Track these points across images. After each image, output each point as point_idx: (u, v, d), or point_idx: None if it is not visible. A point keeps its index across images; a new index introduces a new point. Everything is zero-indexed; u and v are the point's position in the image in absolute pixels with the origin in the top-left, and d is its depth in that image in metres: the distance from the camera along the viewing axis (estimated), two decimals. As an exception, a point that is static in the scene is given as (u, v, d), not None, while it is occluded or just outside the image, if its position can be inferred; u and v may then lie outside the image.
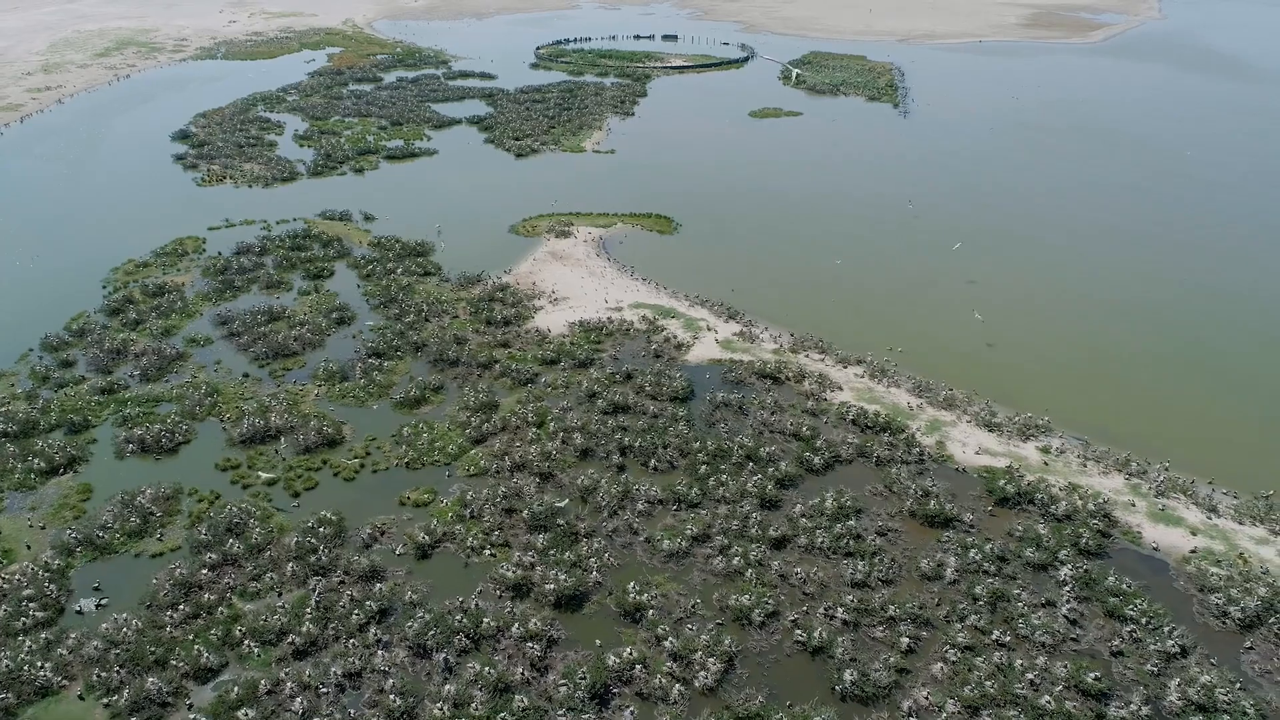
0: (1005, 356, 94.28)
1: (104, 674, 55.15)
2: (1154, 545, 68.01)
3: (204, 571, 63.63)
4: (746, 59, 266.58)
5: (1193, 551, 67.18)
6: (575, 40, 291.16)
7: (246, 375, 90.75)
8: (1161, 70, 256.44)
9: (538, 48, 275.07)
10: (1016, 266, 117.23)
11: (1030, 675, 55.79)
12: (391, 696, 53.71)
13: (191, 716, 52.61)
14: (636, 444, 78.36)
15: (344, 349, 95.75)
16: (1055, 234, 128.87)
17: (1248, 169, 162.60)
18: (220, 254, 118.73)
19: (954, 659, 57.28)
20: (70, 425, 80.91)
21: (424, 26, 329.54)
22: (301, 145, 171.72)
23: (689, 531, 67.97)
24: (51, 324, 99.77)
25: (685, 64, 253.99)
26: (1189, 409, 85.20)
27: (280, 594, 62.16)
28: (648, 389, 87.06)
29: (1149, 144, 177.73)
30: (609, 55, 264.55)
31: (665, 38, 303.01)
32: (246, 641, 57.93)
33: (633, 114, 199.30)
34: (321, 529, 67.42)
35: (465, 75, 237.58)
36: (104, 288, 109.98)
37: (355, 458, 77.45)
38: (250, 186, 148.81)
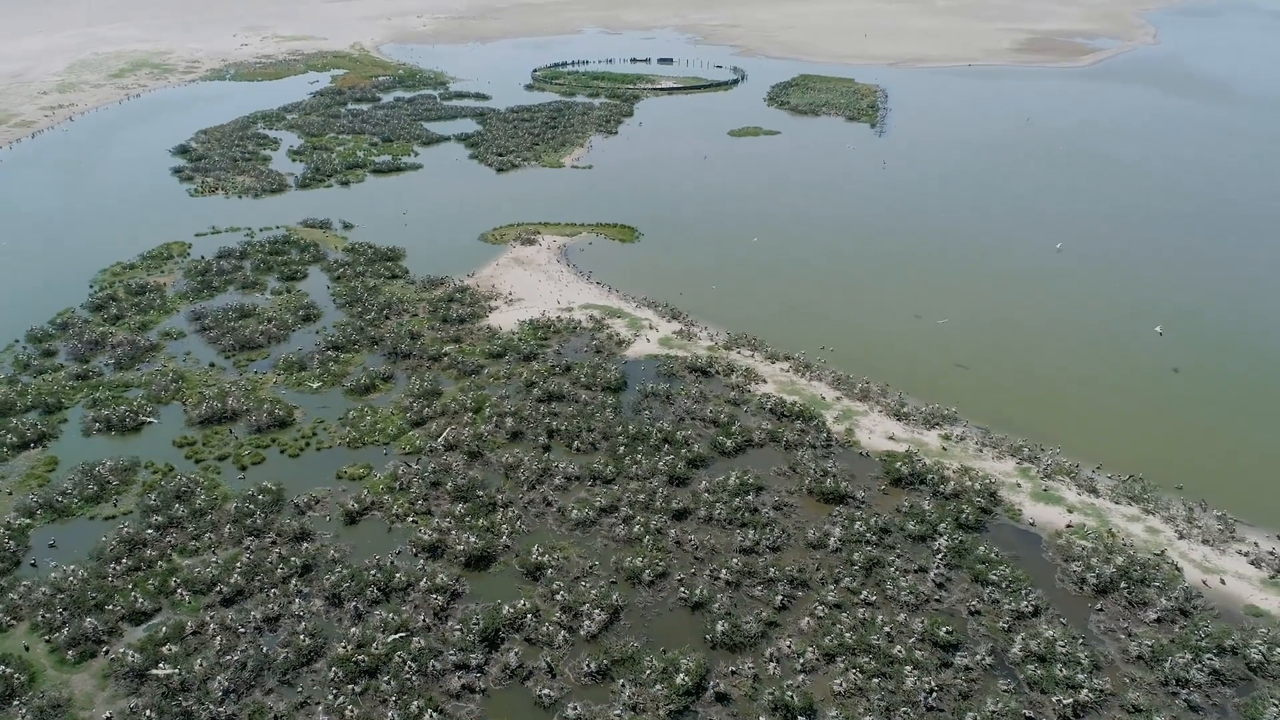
0: (931, 355, 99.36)
1: (48, 615, 61.15)
2: (1031, 521, 72.96)
3: (149, 531, 69.68)
4: (736, 81, 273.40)
5: (1067, 526, 72.01)
6: (572, 63, 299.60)
7: (212, 365, 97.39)
8: (1140, 93, 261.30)
9: (534, 70, 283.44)
10: (954, 273, 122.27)
11: (888, 629, 60.75)
12: (303, 637, 59.38)
13: (121, 650, 58.38)
14: (563, 428, 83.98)
15: (307, 343, 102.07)
16: (994, 243, 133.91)
17: (1201, 181, 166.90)
18: (203, 258, 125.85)
19: (821, 614, 62.34)
20: (45, 406, 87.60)
21: (429, 50, 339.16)
22: (294, 160, 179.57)
23: (598, 503, 73.46)
24: (39, 318, 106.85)
25: (674, 86, 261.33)
26: (1089, 402, 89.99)
27: (215, 552, 68.05)
28: (583, 380, 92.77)
29: (1107, 160, 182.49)
30: (602, 77, 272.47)
31: (661, 61, 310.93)
32: (180, 590, 63.85)
33: (616, 133, 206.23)
34: (261, 497, 73.44)
35: (460, 96, 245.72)
36: (91, 287, 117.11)
37: (302, 437, 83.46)
38: (240, 197, 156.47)
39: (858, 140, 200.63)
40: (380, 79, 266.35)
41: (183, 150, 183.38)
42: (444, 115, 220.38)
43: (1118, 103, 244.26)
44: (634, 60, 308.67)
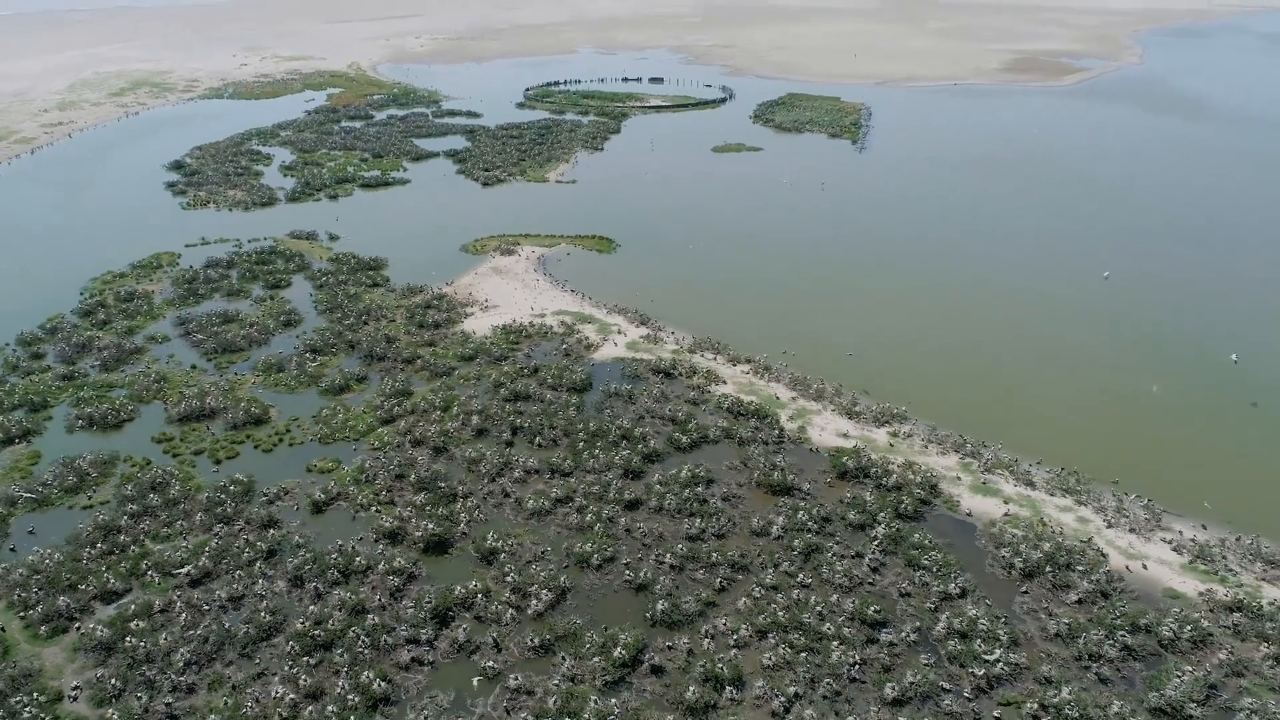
0: (885, 358, 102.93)
1: (24, 594, 64.62)
2: (968, 512, 76.27)
3: (124, 519, 73.20)
4: (724, 100, 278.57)
5: (1003, 516, 75.27)
6: (565, 82, 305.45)
7: (194, 367, 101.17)
8: (1116, 110, 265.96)
9: (527, 89, 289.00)
10: (918, 281, 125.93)
11: (820, 608, 64.06)
12: (264, 615, 62.79)
13: (91, 626, 61.82)
14: (526, 425, 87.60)
15: (287, 347, 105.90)
16: (958, 254, 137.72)
17: (1163, 193, 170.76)
18: (191, 267, 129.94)
19: (758, 595, 65.66)
20: (31, 405, 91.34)
21: (426, 70, 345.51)
22: (286, 175, 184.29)
23: (554, 494, 76.94)
24: (30, 324, 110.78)
25: (662, 104, 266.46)
26: (1038, 403, 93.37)
27: (186, 538, 71.55)
28: (550, 381, 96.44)
29: (1077, 174, 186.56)
30: (592, 96, 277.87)
31: (652, 80, 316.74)
32: (150, 572, 67.33)
33: (602, 149, 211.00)
34: (232, 488, 77.00)
35: (452, 114, 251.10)
36: (81, 294, 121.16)
37: (276, 434, 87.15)
38: (231, 210, 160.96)
39: (839, 154, 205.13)
40: (374, 97, 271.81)
41: (177, 165, 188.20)
42: (435, 132, 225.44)
43: (1091, 120, 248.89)
44: (625, 79, 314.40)
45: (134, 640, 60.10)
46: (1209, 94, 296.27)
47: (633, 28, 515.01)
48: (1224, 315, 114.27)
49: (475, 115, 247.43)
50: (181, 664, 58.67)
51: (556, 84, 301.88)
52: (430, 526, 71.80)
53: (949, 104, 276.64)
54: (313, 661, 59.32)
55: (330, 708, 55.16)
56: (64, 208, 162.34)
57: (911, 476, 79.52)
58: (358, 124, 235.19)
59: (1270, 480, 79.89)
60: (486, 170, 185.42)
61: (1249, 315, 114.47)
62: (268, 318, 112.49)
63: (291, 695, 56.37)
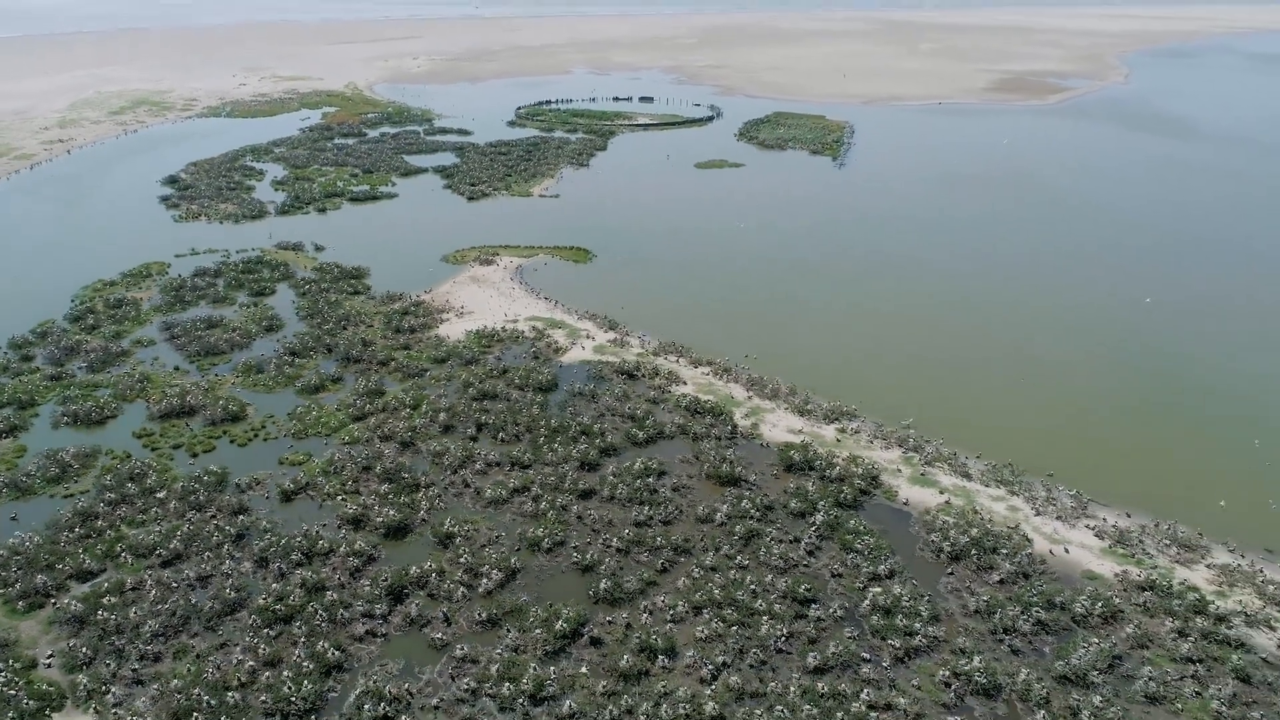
0: (842, 360, 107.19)
1: (3, 573, 68.62)
2: (905, 501, 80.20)
3: (101, 506, 77.28)
4: (711, 118, 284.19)
5: (938, 506, 79.21)
6: (556, 101, 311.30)
7: (177, 368, 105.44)
8: (1094, 128, 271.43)
9: (518, 107, 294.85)
10: (883, 289, 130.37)
11: (754, 587, 67.95)
12: (229, 591, 66.75)
13: (66, 601, 65.80)
14: (491, 421, 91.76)
15: (268, 350, 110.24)
16: (927, 264, 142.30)
17: (1129, 206, 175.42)
18: (179, 275, 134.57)
19: (697, 575, 69.57)
20: (18, 403, 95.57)
21: (421, 89, 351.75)
22: (277, 190, 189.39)
23: (511, 484, 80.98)
24: (22, 328, 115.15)
25: (650, 122, 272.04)
26: (982, 401, 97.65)
27: (160, 524, 75.57)
28: (517, 381, 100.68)
29: (1050, 189, 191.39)
30: (582, 114, 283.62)
31: (642, 99, 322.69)
32: (124, 554, 71.34)
33: (588, 165, 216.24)
34: (206, 478, 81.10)
35: (444, 131, 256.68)
36: (72, 301, 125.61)
37: (251, 430, 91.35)
38: (222, 223, 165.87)
39: (819, 170, 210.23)
40: (369, 116, 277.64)
41: (172, 180, 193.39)
42: (425, 149, 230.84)
43: (1066, 136, 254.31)
44: (617, 99, 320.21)
45: (105, 614, 63.92)
46: (1188, 112, 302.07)
47: (628, 49, 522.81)
48: (1176, 322, 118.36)
49: (466, 133, 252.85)
50: (149, 635, 62.42)
51: (548, 103, 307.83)
52: (391, 513, 75.71)
53: (931, 122, 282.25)
54: (273, 634, 63.07)
55: (286, 673, 58.88)
56: (59, 220, 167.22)
57: (854, 469, 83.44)
58: (351, 141, 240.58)
59: (1198, 472, 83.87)
60: (472, 185, 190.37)
61: (1200, 322, 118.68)
62: (250, 323, 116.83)
63: (250, 663, 60.13)
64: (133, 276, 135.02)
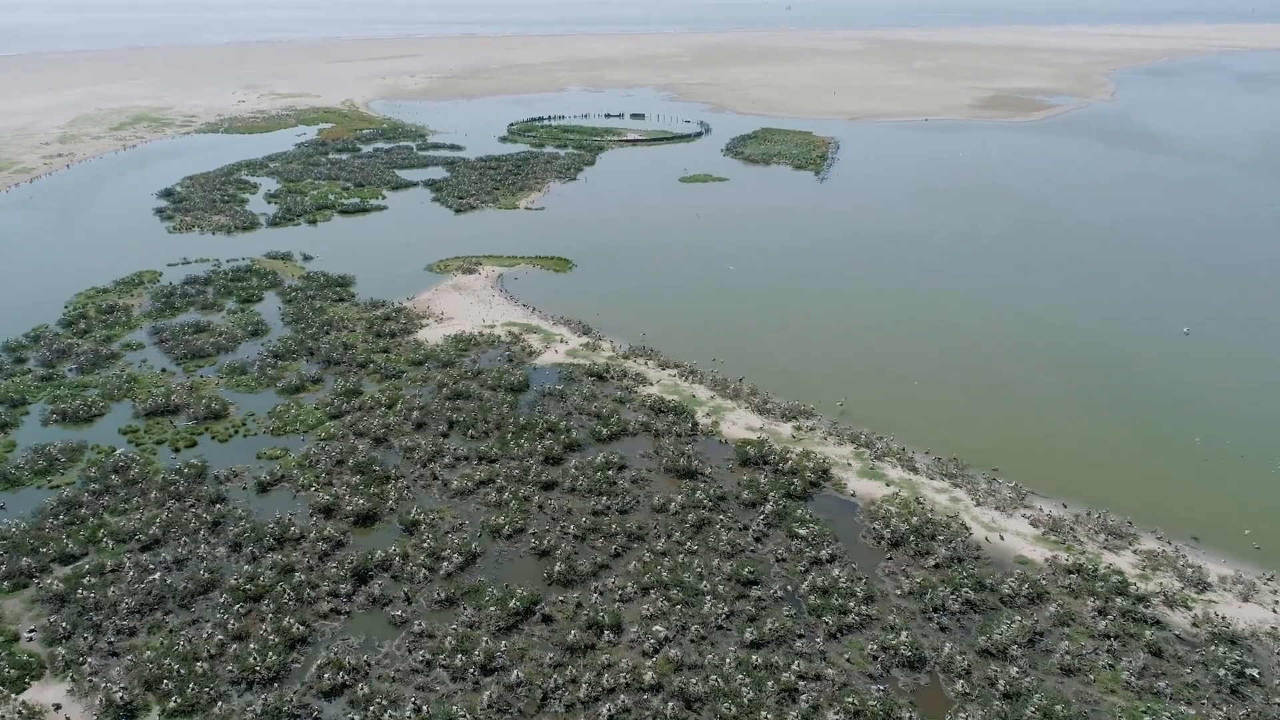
0: (805, 364, 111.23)
1: (-10, 557, 72.48)
2: (853, 493, 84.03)
3: (86, 496, 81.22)
4: (700, 134, 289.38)
5: (883, 497, 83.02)
6: (549, 118, 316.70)
7: (164, 370, 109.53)
8: (1072, 143, 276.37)
9: (511, 124, 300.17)
10: (845, 294, 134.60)
11: (700, 570, 71.74)
12: (203, 573, 70.60)
13: (49, 581, 69.66)
14: (462, 419, 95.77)
15: (253, 353, 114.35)
16: (893, 272, 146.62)
17: (1097, 217, 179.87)
18: (170, 283, 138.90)
19: (648, 559, 73.37)
20: (10, 402, 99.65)
21: (417, 106, 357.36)
22: (270, 202, 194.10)
23: (478, 477, 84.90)
24: (15, 333, 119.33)
25: (639, 138, 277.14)
26: (932, 400, 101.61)
27: (141, 512, 79.48)
28: (489, 382, 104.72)
29: (1023, 202, 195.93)
30: (573, 130, 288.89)
31: (634, 116, 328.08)
32: (105, 540, 75.24)
33: (575, 179, 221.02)
34: (186, 470, 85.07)
35: (437, 147, 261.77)
36: (66, 307, 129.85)
37: (233, 427, 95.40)
38: (214, 234, 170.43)
39: (805, 184, 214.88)
40: (364, 132, 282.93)
41: (167, 193, 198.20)
42: (417, 164, 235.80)
43: (1042, 151, 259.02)
44: (608, 115, 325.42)
45: (85, 593, 67.78)
46: (1167, 129, 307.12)
47: (624, 67, 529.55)
48: (1126, 329, 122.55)
49: (458, 148, 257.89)
50: (125, 612, 66.25)
51: (540, 119, 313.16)
52: (361, 502, 79.62)
53: (914, 138, 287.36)
54: (242, 611, 66.89)
55: (252, 646, 62.68)
56: (56, 231, 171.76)
57: (807, 463, 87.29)
58: (345, 156, 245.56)
59: (1137, 467, 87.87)
60: (460, 198, 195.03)
61: (1150, 329, 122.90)
62: (236, 328, 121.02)
63: (220, 637, 63.94)
64: (125, 284, 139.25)
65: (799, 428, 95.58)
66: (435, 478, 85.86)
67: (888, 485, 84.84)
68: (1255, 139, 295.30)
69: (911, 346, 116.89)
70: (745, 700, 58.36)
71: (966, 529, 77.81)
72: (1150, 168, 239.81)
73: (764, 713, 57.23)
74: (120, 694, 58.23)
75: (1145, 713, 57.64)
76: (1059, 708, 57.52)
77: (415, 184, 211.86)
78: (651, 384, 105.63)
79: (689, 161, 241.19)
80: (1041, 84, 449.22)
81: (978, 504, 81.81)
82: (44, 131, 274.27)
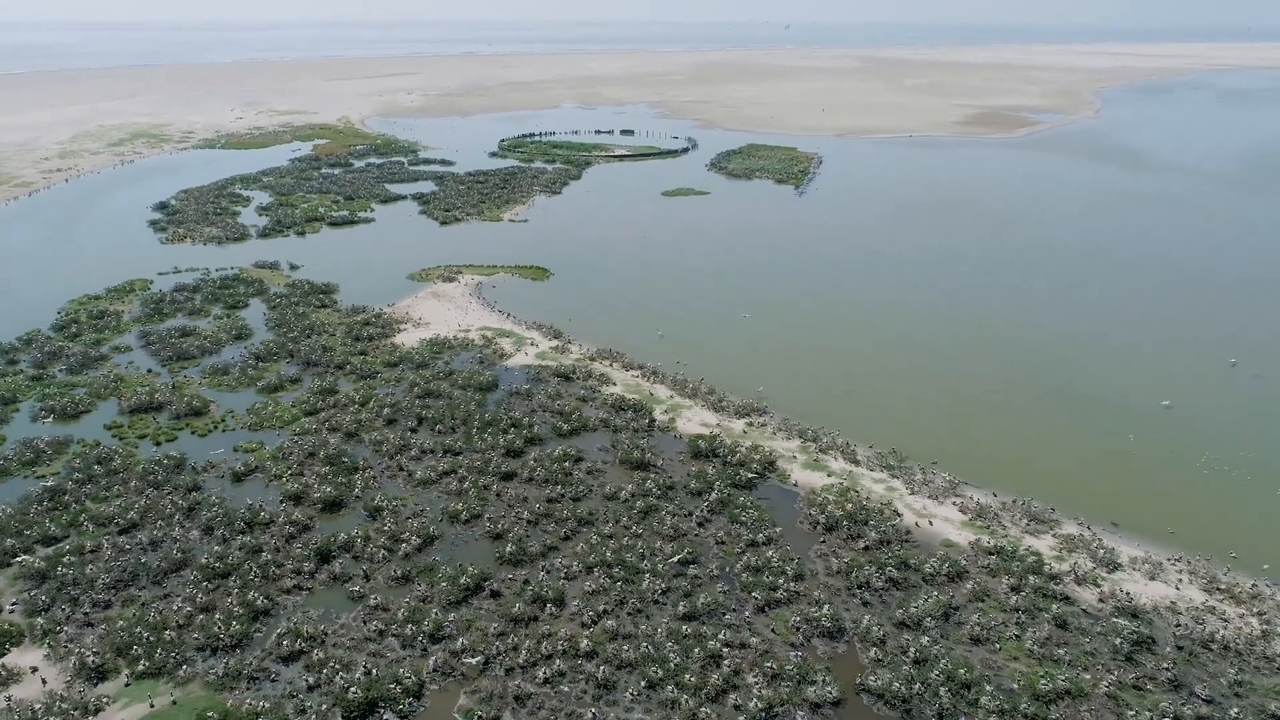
0: (764, 365, 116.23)
1: (-23, 539, 77.34)
2: (795, 483, 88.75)
3: (70, 484, 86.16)
4: (686, 150, 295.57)
5: (823, 486, 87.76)
6: (540, 134, 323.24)
7: (150, 370, 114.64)
8: (1049, 158, 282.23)
9: (502, 140, 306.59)
10: (810, 299, 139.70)
11: (641, 549, 76.46)
12: (176, 553, 75.42)
13: (30, 559, 74.49)
14: (430, 415, 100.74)
15: (235, 354, 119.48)
16: (862, 282, 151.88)
17: (1063, 229, 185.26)
18: (160, 291, 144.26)
19: (595, 542, 78.12)
20: (1, 399, 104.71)
21: (412, 123, 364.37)
22: (261, 215, 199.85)
23: (441, 468, 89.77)
24: (8, 337, 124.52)
25: (626, 153, 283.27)
26: (880, 398, 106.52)
27: (120, 499, 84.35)
28: (460, 382, 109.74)
29: (994, 215, 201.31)
30: (562, 146, 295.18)
31: (623, 132, 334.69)
32: (86, 523, 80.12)
33: (560, 193, 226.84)
34: (165, 461, 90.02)
35: (428, 162, 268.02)
36: (58, 313, 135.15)
37: (212, 423, 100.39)
38: (205, 244, 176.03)
39: (784, 197, 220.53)
40: (357, 147, 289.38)
41: (162, 206, 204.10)
42: (407, 178, 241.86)
43: (1018, 165, 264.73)
44: (599, 131, 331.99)
45: (65, 570, 72.59)
46: (1146, 144, 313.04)
47: (619, 85, 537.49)
48: (1070, 332, 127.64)
49: (449, 163, 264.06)
50: (102, 587, 71.03)
51: (531, 135, 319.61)
52: (329, 490, 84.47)
53: (897, 154, 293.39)
54: (211, 587, 71.66)
55: (218, 617, 67.43)
56: (52, 242, 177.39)
57: (754, 456, 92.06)
58: (337, 171, 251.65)
59: (1069, 460, 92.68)
60: (446, 211, 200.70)
61: (1091, 329, 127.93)
62: (221, 332, 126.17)
63: (188, 609, 68.69)
64: (116, 291, 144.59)
65: (751, 424, 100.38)
66: (401, 469, 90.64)
67: (829, 476, 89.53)
68: (1228, 154, 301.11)
69: (869, 350, 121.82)
70: (672, 665, 62.84)
71: (898, 515, 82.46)
72: (1122, 182, 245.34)
73: (688, 675, 61.71)
74: (92, 658, 62.83)
75: (1042, 677, 62.04)
76: (962, 671, 62.00)
77: (404, 197, 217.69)
78: (615, 384, 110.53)
79: (673, 176, 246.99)
80: (1029, 101, 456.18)
81: (912, 493, 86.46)
82: (45, 147, 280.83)
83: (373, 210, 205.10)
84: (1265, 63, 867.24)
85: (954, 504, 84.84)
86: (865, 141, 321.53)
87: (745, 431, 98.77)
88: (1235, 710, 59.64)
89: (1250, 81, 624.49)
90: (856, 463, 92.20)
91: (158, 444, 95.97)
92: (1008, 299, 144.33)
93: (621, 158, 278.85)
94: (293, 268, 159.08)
